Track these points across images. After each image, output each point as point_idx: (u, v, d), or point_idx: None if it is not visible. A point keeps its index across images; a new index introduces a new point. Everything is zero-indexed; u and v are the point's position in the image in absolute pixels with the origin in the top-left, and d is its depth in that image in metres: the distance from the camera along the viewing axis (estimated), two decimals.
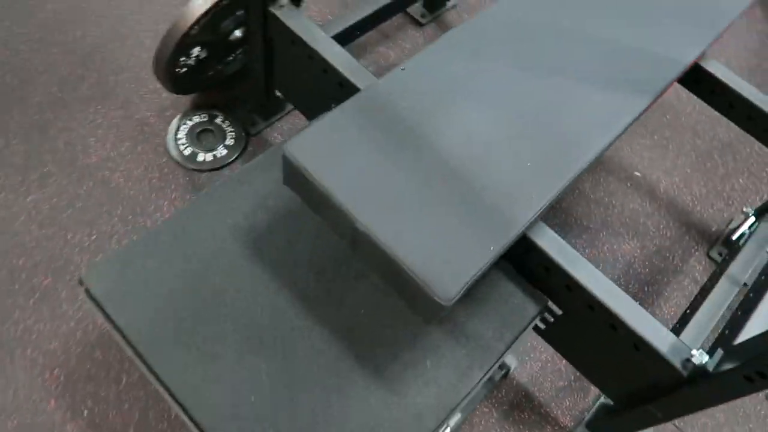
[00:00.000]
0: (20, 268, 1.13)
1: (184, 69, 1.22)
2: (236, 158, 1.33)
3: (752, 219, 1.30)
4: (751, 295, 1.00)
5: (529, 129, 0.93)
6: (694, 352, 0.85)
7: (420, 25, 1.65)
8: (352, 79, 1.04)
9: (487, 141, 0.90)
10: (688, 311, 1.16)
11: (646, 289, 1.34)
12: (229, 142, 1.34)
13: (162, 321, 0.86)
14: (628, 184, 1.49)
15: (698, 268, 1.39)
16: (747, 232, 1.29)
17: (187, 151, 1.31)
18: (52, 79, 1.36)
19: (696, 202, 1.49)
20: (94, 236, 1.19)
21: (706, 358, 0.84)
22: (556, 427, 1.15)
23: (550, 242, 0.91)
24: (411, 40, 1.62)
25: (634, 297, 1.32)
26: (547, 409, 1.16)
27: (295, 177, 0.86)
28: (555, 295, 0.97)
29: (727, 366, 0.80)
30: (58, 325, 1.08)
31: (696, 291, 1.34)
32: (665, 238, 1.42)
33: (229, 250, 0.93)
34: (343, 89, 1.06)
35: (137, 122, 1.34)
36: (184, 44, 1.14)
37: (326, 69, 1.07)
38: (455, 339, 0.91)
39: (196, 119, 1.35)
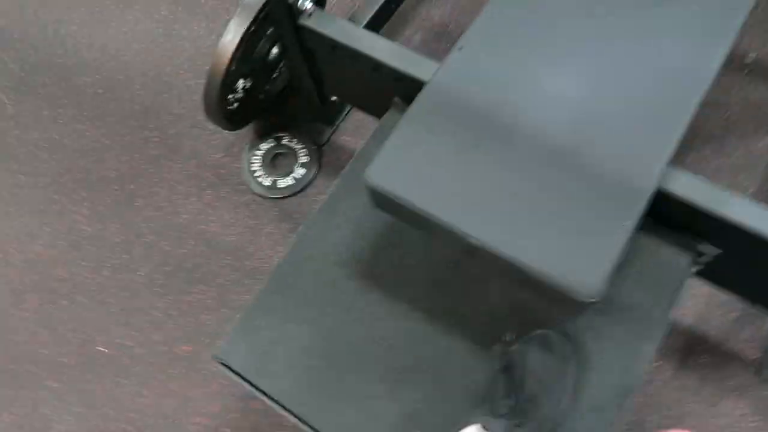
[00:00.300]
0: (159, 342, 1.17)
1: (235, 104, 1.18)
2: (316, 175, 1.29)
3: None
4: None
5: (624, 79, 0.81)
6: None
7: None
8: (408, 71, 0.94)
9: (580, 105, 0.80)
10: None
11: None
12: (303, 159, 1.29)
13: (306, 377, 0.85)
14: (745, 73, 1.28)
15: None
16: None
17: (267, 181, 1.28)
18: (120, 150, 1.38)
19: None
20: (213, 291, 1.20)
21: None
22: (742, 362, 1.05)
23: (686, 188, 0.79)
24: None
25: None
26: (726, 346, 1.06)
27: (385, 202, 0.80)
28: (707, 235, 0.85)
29: None
30: (213, 388, 1.12)
31: None
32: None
33: (344, 288, 0.90)
34: (401, 83, 0.97)
35: (211, 167, 1.33)
36: (226, 84, 1.10)
37: (376, 67, 0.98)
38: (610, 317, 0.83)
39: (264, 147, 1.31)
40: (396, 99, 1.04)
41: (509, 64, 0.83)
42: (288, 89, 1.32)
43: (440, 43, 1.39)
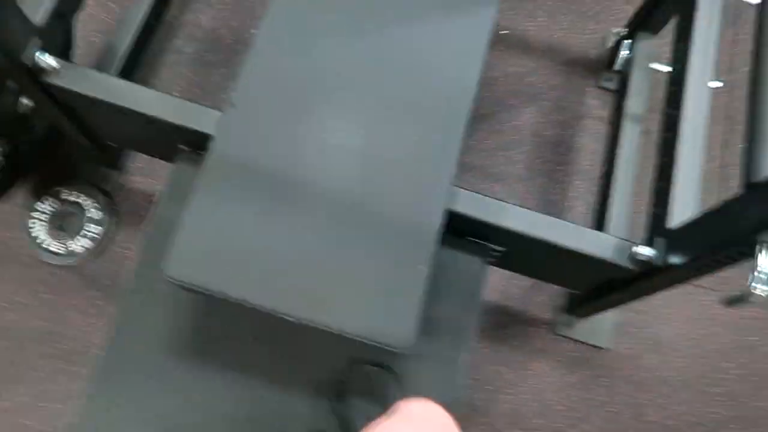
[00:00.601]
0: None
1: None
2: (113, 228, 1.18)
3: (627, 42, 1.26)
4: (667, 134, 0.99)
5: (396, 114, 0.83)
6: (637, 249, 0.86)
7: None
8: (184, 124, 0.89)
9: (358, 153, 0.80)
10: (605, 179, 1.16)
11: (560, 149, 1.34)
12: (94, 213, 1.18)
13: None
14: (501, 48, 1.41)
15: (597, 103, 1.38)
16: (627, 54, 1.26)
17: (58, 248, 1.15)
18: None
19: (568, 34, 1.44)
20: (32, 388, 1.08)
21: (650, 252, 0.85)
22: (541, 326, 1.20)
23: (468, 206, 0.86)
24: None
25: (552, 163, 1.32)
26: (526, 314, 1.21)
27: (192, 291, 0.77)
28: (491, 239, 0.95)
29: (674, 259, 0.82)
30: None
31: (604, 129, 1.35)
32: (555, 88, 1.39)
33: (173, 373, 0.86)
34: (180, 133, 0.91)
35: None
36: None
37: (148, 120, 0.91)
38: (428, 336, 0.90)
39: (44, 208, 1.17)
40: (180, 146, 0.98)
41: (283, 117, 0.81)
42: (54, 135, 1.17)
43: (216, 54, 1.32)
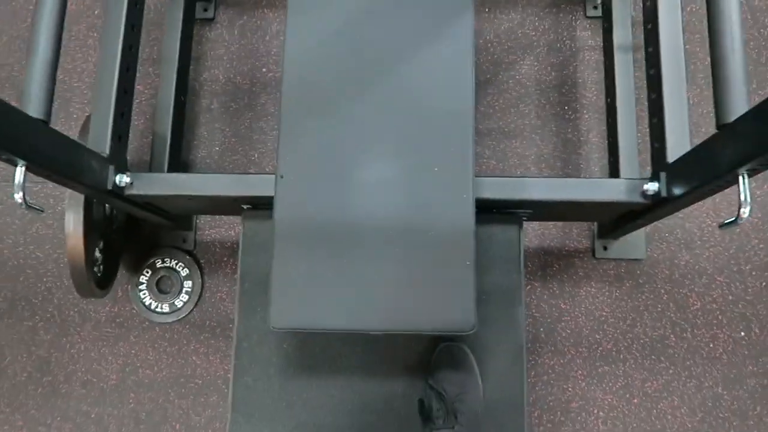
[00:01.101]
0: None
1: (101, 267, 1.23)
2: (203, 280, 1.39)
3: None
4: (652, 72, 1.09)
5: (412, 141, 0.97)
6: (646, 186, 1.00)
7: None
8: (241, 194, 1.06)
9: (392, 184, 0.96)
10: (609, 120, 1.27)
11: (563, 89, 1.44)
12: (184, 272, 1.38)
13: None
14: (487, 9, 1.49)
15: (588, 35, 1.46)
16: None
17: (165, 308, 1.37)
18: (14, 349, 1.38)
19: None
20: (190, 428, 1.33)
21: (656, 185, 0.99)
22: (582, 255, 1.36)
23: (492, 190, 1.01)
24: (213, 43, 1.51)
25: (559, 104, 1.43)
26: (566, 248, 1.37)
27: (296, 332, 0.97)
28: (520, 207, 1.10)
29: (676, 191, 0.95)
30: None
31: (600, 57, 1.44)
32: (545, 32, 1.47)
33: (295, 390, 1.08)
34: (238, 201, 1.09)
35: (108, 322, 1.38)
36: (88, 263, 1.14)
37: (212, 199, 1.08)
38: (488, 305, 1.08)
39: (144, 279, 1.38)
40: (244, 207, 1.16)
41: (324, 173, 0.96)
42: (133, 219, 1.37)
43: (239, 101, 1.46)
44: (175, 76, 1.32)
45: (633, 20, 1.32)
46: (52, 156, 0.86)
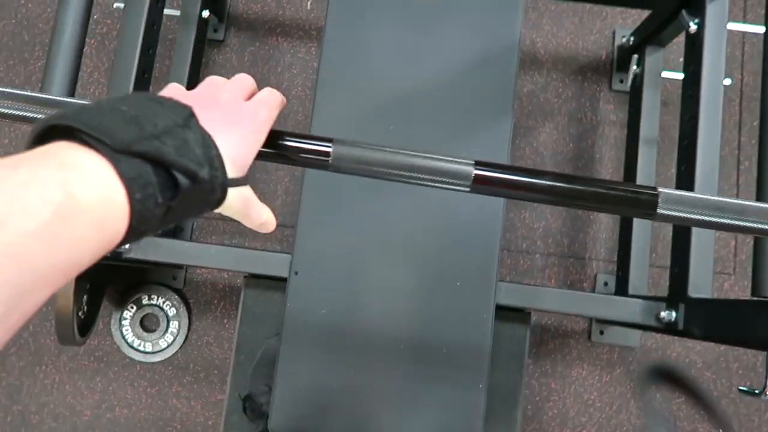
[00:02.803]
0: None
1: (82, 316, 1.16)
2: (190, 320, 1.33)
3: (635, 57, 1.27)
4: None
5: (436, 260, 0.93)
6: (662, 314, 0.98)
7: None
8: (243, 270, 1.01)
9: (411, 289, 0.92)
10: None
11: (579, 165, 1.41)
12: (170, 311, 1.33)
13: None
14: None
15: (611, 108, 1.42)
16: (636, 69, 1.28)
17: (147, 346, 1.32)
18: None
19: (575, 38, 1.44)
20: None
21: (673, 315, 0.98)
22: (577, 336, 1.36)
23: (508, 297, 0.99)
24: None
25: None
26: (564, 328, 1.36)
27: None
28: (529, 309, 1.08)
29: (694, 329, 0.95)
30: None
31: (620, 134, 1.40)
32: (569, 101, 1.42)
33: None
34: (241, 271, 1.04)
35: (86, 354, 1.32)
36: (75, 316, 1.08)
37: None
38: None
39: (129, 314, 1.32)
40: (245, 275, 1.11)
41: (338, 274, 0.92)
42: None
43: None
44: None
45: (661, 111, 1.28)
46: None
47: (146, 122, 0.34)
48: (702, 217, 0.43)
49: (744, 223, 0.42)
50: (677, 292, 1.00)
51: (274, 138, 0.44)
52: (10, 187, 0.26)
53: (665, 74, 1.28)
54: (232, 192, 0.40)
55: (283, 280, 0.98)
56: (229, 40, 1.41)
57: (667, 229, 1.38)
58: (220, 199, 0.39)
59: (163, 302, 1.33)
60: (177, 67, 1.26)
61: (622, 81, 1.41)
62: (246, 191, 0.43)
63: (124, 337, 1.32)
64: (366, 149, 0.43)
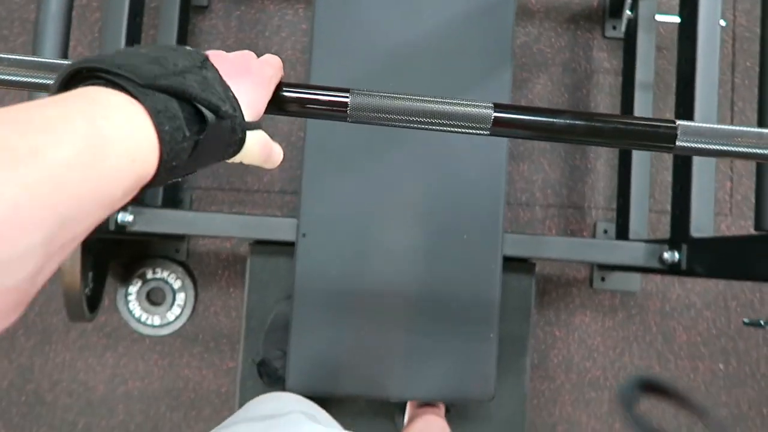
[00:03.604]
0: None
1: (89, 293, 1.16)
2: (197, 292, 1.34)
3: (628, 2, 1.25)
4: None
5: (442, 215, 0.93)
6: (665, 255, 1.00)
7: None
8: (251, 236, 1.01)
9: (419, 246, 0.92)
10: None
11: (579, 107, 1.40)
12: (176, 284, 1.33)
13: None
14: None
15: (605, 56, 1.41)
16: (628, 15, 1.27)
17: (155, 320, 1.32)
18: (2, 360, 1.32)
19: None
20: None
21: (676, 256, 0.99)
22: (579, 284, 1.38)
23: (514, 247, 1.00)
24: None
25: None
26: (566, 277, 1.38)
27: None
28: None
29: (697, 268, 0.96)
30: None
31: (614, 81, 1.40)
32: (562, 50, 1.41)
33: None
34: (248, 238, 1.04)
35: (96, 330, 1.33)
36: (82, 292, 1.08)
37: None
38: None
39: (134, 289, 1.32)
40: (250, 242, 1.11)
41: (346, 235, 0.93)
42: None
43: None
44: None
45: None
46: None
47: (167, 62, 0.35)
48: (720, 147, 0.43)
49: (762, 150, 0.43)
50: (679, 233, 1.01)
51: (291, 91, 0.44)
52: (42, 122, 0.27)
53: (658, 17, 1.26)
54: (251, 136, 0.42)
55: (289, 244, 0.98)
56: (214, 5, 1.38)
57: (665, 174, 1.40)
58: (241, 139, 0.40)
59: (168, 275, 1.33)
60: (163, 36, 1.23)
61: (614, 27, 1.40)
62: (263, 135, 0.44)
63: (131, 312, 1.32)
64: (384, 97, 0.43)
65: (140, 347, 1.33)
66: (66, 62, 0.51)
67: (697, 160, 0.99)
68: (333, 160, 0.92)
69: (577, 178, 1.40)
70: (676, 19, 1.11)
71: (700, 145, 0.43)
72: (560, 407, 1.37)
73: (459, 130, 0.44)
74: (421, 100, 0.43)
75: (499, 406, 1.09)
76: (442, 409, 1.01)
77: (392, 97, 0.43)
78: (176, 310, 1.33)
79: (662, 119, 0.44)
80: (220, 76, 0.39)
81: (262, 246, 1.09)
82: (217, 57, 0.43)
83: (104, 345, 1.33)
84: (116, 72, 0.32)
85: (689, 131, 0.43)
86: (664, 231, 1.37)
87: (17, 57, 0.44)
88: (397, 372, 0.92)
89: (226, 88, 0.39)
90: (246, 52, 0.46)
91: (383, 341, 0.92)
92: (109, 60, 0.33)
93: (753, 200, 1.41)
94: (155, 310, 1.33)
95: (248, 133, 0.41)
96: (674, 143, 0.43)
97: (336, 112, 0.44)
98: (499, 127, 0.43)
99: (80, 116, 0.29)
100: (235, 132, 0.39)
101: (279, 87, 0.44)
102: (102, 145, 0.28)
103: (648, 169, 1.20)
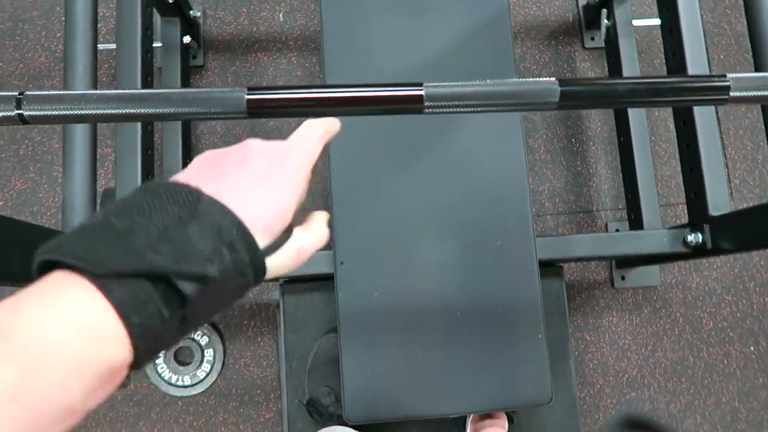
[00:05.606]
0: None
1: None
2: (224, 347, 1.32)
3: (605, 12, 1.33)
4: (683, 124, 1.11)
5: (472, 224, 0.95)
6: (689, 237, 1.03)
7: None
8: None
9: (456, 271, 0.94)
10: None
11: (568, 123, 1.46)
12: (204, 340, 1.31)
13: None
14: None
15: (587, 65, 1.48)
16: (606, 24, 1.34)
17: (186, 380, 1.29)
18: None
19: (542, 6, 1.50)
20: None
21: (699, 237, 1.02)
22: (601, 286, 1.40)
23: (545, 251, 1.02)
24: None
25: (566, 138, 1.45)
26: (587, 280, 1.40)
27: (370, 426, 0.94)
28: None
29: (723, 245, 0.99)
30: None
31: None
32: (547, 65, 1.47)
33: None
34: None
35: (126, 400, 1.29)
36: None
37: None
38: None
39: (159, 358, 1.29)
40: (281, 283, 1.11)
41: (382, 258, 0.94)
42: None
43: None
44: (180, 131, 1.23)
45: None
46: None
47: (139, 233, 0.32)
48: None
49: None
50: (698, 214, 1.05)
51: (365, 93, 0.46)
52: None
53: (637, 22, 1.34)
54: (275, 260, 0.36)
55: (321, 279, 0.99)
56: (209, 64, 1.42)
57: (664, 169, 1.45)
58: (258, 276, 0.35)
59: (194, 333, 1.31)
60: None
61: (593, 38, 1.47)
62: (292, 247, 0.38)
63: (160, 375, 1.29)
64: (456, 86, 0.45)
65: (173, 410, 1.30)
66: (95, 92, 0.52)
67: (702, 140, 1.03)
68: (360, 183, 0.94)
69: (581, 184, 1.44)
70: (656, 21, 1.17)
71: (753, 93, 0.46)
72: (604, 412, 1.36)
73: (528, 108, 0.46)
74: (490, 84, 0.45)
75: (553, 412, 1.08)
76: (504, 419, 1.00)
77: (463, 85, 0.45)
78: (206, 366, 1.30)
79: (714, 75, 0.47)
80: (216, 220, 0.33)
81: (292, 285, 1.09)
82: (233, 162, 0.38)
83: (136, 414, 1.29)
84: (74, 265, 0.30)
85: (741, 82, 0.46)
86: (675, 223, 1.41)
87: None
88: (453, 387, 0.91)
89: (222, 234, 0.33)
90: (256, 146, 0.39)
91: (435, 358, 0.92)
92: (69, 248, 0.31)
93: (752, 183, 1.47)
94: (185, 370, 1.30)
95: (270, 257, 0.35)
96: (728, 94, 0.46)
97: (411, 106, 0.46)
98: (566, 101, 0.46)
99: (21, 330, 0.28)
100: (243, 275, 0.34)
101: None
102: (38, 362, 0.27)
103: (651, 161, 1.24)
